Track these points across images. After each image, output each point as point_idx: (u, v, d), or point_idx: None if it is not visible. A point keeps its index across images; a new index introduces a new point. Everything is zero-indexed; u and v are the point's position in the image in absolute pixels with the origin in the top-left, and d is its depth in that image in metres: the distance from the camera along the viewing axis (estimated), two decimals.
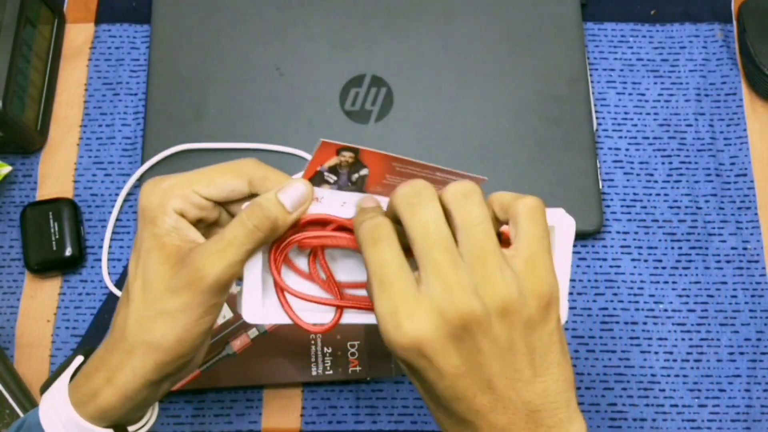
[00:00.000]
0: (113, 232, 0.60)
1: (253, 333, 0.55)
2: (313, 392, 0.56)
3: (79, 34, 0.66)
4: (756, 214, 0.60)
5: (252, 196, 0.38)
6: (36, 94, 0.62)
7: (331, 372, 0.55)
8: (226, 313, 0.55)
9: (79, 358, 0.41)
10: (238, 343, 0.55)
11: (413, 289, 0.32)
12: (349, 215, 0.38)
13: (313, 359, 0.55)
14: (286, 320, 0.38)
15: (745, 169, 0.62)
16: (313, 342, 0.55)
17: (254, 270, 0.38)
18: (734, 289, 0.59)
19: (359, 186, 0.39)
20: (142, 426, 0.42)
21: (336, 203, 0.39)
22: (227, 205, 0.40)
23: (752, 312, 0.58)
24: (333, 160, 0.37)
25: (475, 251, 0.32)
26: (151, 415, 0.43)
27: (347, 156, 0.37)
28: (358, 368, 0.55)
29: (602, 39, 0.65)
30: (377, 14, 0.64)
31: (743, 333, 0.58)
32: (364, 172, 0.38)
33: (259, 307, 0.38)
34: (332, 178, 0.38)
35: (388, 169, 0.38)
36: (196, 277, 0.36)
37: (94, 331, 0.58)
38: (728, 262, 0.59)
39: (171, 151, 0.60)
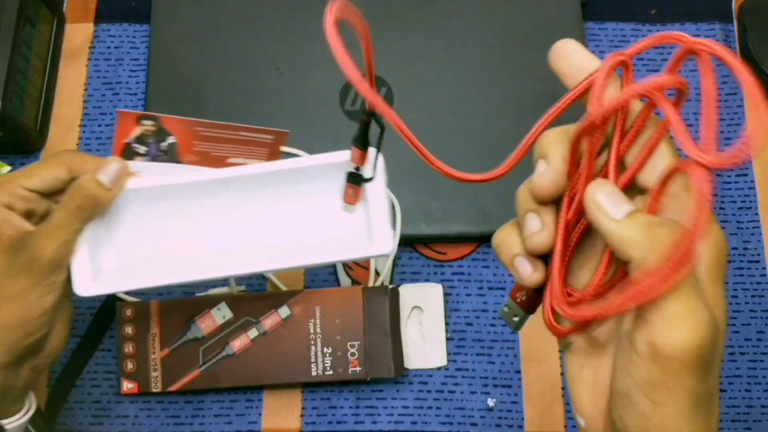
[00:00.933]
0: None
1: (252, 333, 0.55)
2: (313, 392, 0.56)
3: (78, 34, 0.66)
4: (756, 214, 0.60)
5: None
6: (35, 94, 0.62)
7: (330, 372, 0.55)
8: (225, 313, 0.55)
9: None
10: (237, 344, 0.55)
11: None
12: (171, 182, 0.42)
13: (312, 359, 0.55)
14: (118, 289, 0.46)
15: (746, 168, 0.61)
16: (312, 342, 0.55)
17: (83, 247, 0.43)
18: (734, 290, 0.59)
19: (171, 155, 0.42)
20: (20, 418, 0.44)
21: (157, 174, 0.43)
22: (55, 196, 0.44)
23: (752, 312, 0.58)
24: (137, 131, 0.41)
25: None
26: (30, 407, 0.45)
27: (148, 124, 0.40)
28: (358, 368, 0.55)
29: (603, 39, 0.65)
30: (377, 14, 0.63)
31: (743, 333, 0.58)
32: (171, 139, 0.42)
33: (89, 281, 0.43)
34: (142, 149, 0.41)
35: (193, 134, 0.41)
36: (32, 259, 0.41)
37: (94, 331, 0.58)
38: (728, 262, 0.59)
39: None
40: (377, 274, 0.59)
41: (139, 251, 0.46)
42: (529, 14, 0.63)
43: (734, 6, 0.66)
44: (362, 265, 0.59)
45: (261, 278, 0.59)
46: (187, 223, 0.46)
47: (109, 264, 0.45)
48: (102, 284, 0.43)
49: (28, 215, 0.43)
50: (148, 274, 0.44)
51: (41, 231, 0.41)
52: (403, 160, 0.59)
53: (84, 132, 0.63)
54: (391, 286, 0.56)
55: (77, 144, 0.63)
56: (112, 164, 0.42)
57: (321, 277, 0.59)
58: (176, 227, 0.46)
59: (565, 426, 0.55)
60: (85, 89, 0.64)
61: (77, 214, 0.42)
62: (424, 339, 0.58)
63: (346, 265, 0.59)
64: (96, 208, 0.42)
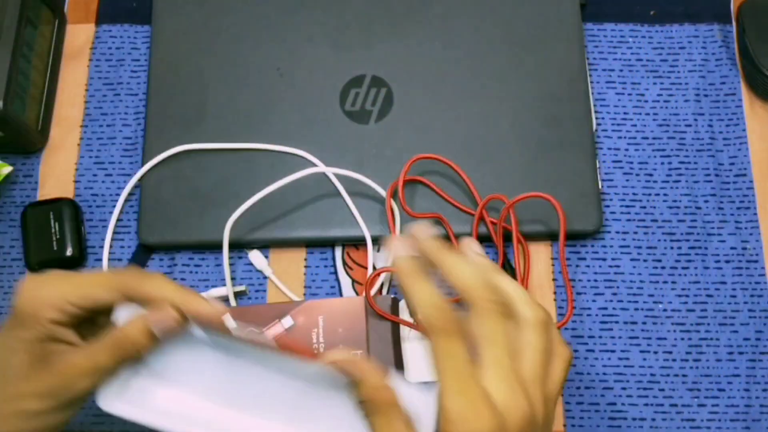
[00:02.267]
0: (114, 232, 0.60)
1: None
2: None
3: (79, 35, 0.66)
4: (755, 214, 0.60)
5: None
6: (37, 95, 0.62)
7: None
8: (229, 324, 0.55)
9: None
10: None
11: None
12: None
13: None
14: (135, 418, 0.41)
15: (745, 169, 0.62)
16: (316, 351, 0.55)
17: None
18: (733, 289, 0.59)
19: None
20: None
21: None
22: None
23: (751, 312, 0.58)
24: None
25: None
26: None
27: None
28: None
29: (602, 39, 0.65)
30: (377, 14, 0.64)
31: (742, 333, 0.58)
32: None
33: (114, 399, 0.41)
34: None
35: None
36: (63, 388, 0.39)
37: None
38: (727, 262, 0.59)
39: (171, 152, 0.60)
40: (375, 269, 0.59)
41: (174, 391, 0.42)
42: (528, 15, 0.64)
43: (733, 6, 0.66)
44: (361, 264, 0.59)
45: (262, 288, 0.59)
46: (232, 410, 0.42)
47: (138, 382, 0.42)
48: (126, 404, 0.41)
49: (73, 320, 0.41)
50: (173, 415, 0.41)
51: (80, 364, 0.39)
52: (404, 162, 0.59)
53: (85, 132, 0.63)
54: (392, 296, 0.57)
55: (78, 144, 0.63)
56: (170, 314, 0.39)
57: (321, 276, 0.59)
58: (220, 402, 0.42)
59: (565, 425, 0.56)
60: (87, 90, 0.65)
61: (119, 359, 0.39)
62: (425, 348, 0.58)
63: (345, 264, 0.59)
64: (138, 355, 0.40)
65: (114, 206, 0.61)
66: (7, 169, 0.59)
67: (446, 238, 0.58)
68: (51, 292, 0.40)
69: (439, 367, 0.34)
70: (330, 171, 0.58)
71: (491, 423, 0.32)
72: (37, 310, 0.39)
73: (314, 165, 0.59)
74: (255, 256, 0.59)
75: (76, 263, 0.59)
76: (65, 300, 0.40)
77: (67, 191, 0.62)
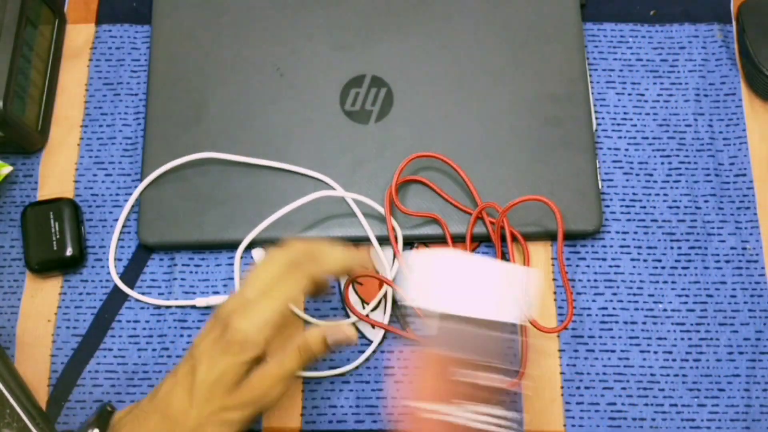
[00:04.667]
0: (120, 232, 0.60)
1: None
2: (314, 391, 0.57)
3: (79, 35, 0.66)
4: (755, 213, 0.60)
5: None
6: (37, 95, 0.62)
7: None
8: None
9: None
10: None
11: None
12: None
13: None
14: None
15: (745, 169, 0.62)
16: None
17: None
18: (733, 289, 0.59)
19: None
20: None
21: None
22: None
23: (751, 312, 0.58)
24: None
25: None
26: None
27: None
28: None
29: (602, 39, 0.65)
30: (377, 14, 0.64)
31: (742, 333, 0.58)
32: None
33: None
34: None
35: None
36: (262, 397, 0.45)
37: (95, 331, 0.58)
38: (727, 261, 0.59)
39: (182, 161, 0.60)
40: (377, 273, 0.59)
41: None
42: (528, 15, 0.64)
43: (733, 6, 0.66)
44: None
45: None
46: None
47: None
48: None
49: None
50: None
51: (274, 374, 0.45)
52: (404, 160, 0.59)
53: (85, 132, 0.63)
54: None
55: (78, 144, 0.63)
56: (344, 332, 0.48)
57: None
58: None
59: (564, 425, 0.56)
60: (87, 90, 0.65)
61: (300, 362, 0.46)
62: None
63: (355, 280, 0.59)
64: (316, 359, 0.48)
65: (114, 206, 0.61)
66: (7, 169, 0.59)
67: (443, 239, 0.58)
68: (265, 316, 0.45)
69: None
70: (338, 194, 0.58)
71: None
72: (256, 336, 0.44)
73: (318, 180, 0.59)
74: (258, 255, 0.59)
75: (76, 263, 0.59)
76: (275, 321, 0.45)
77: (67, 191, 0.62)
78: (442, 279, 0.44)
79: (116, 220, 0.61)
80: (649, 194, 0.61)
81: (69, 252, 0.59)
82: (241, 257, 0.59)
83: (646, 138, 0.62)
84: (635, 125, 0.63)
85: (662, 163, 0.62)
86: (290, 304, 0.47)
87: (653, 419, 0.56)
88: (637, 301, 0.58)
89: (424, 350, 0.44)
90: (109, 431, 0.46)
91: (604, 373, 0.57)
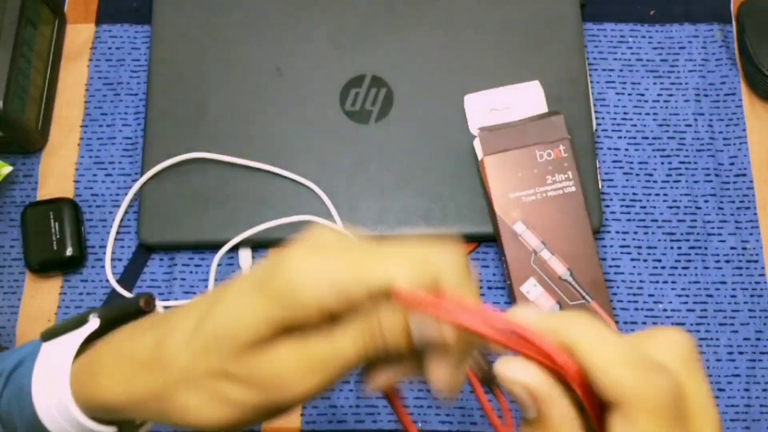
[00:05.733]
0: (117, 232, 0.60)
1: None
2: None
3: (79, 35, 0.66)
4: (755, 213, 0.60)
5: None
6: (37, 95, 0.62)
7: None
8: None
9: (94, 323, 0.37)
10: None
11: None
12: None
13: None
14: None
15: (744, 169, 0.62)
16: None
17: None
18: (733, 289, 0.59)
19: None
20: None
21: None
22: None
23: (751, 312, 0.58)
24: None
25: None
26: None
27: None
28: None
29: (602, 39, 0.65)
30: (377, 14, 0.64)
31: (742, 333, 0.58)
32: None
33: None
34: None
35: None
36: (275, 384, 0.30)
37: (95, 331, 0.58)
38: (727, 261, 0.59)
39: (174, 161, 0.60)
40: None
41: None
42: (528, 15, 0.63)
43: (733, 7, 0.66)
44: None
45: None
46: None
47: None
48: None
49: None
50: None
51: (306, 348, 0.30)
52: (404, 162, 0.60)
53: (85, 132, 0.63)
54: None
55: (78, 144, 0.63)
56: (444, 330, 0.29)
57: None
58: None
59: None
60: (87, 90, 0.65)
61: (362, 356, 0.31)
62: None
63: None
64: (383, 354, 0.30)
65: (114, 206, 0.61)
66: (7, 169, 0.59)
67: None
68: (338, 274, 0.29)
69: None
70: (328, 224, 0.58)
71: None
72: (313, 290, 0.29)
73: (311, 189, 0.59)
74: (244, 256, 0.59)
75: (76, 263, 0.59)
76: (349, 287, 0.29)
77: (67, 191, 0.62)
78: None
79: (122, 224, 0.61)
80: (649, 194, 0.61)
81: (69, 252, 0.59)
82: (220, 260, 0.59)
83: (646, 138, 0.62)
84: (635, 125, 0.63)
85: (662, 163, 0.62)
86: (391, 283, 0.28)
87: None
88: (637, 301, 0.58)
89: None
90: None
91: None
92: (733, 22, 0.66)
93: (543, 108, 0.60)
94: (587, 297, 0.56)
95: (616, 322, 0.58)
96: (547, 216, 0.56)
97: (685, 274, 0.59)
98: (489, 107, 0.60)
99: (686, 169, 0.62)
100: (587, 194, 0.58)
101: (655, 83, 0.64)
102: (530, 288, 0.56)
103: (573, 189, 0.57)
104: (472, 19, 0.63)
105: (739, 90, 0.64)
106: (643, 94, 0.64)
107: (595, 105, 0.63)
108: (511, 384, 0.26)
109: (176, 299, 0.58)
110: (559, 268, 0.56)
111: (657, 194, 0.61)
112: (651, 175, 0.62)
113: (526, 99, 0.60)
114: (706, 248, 0.60)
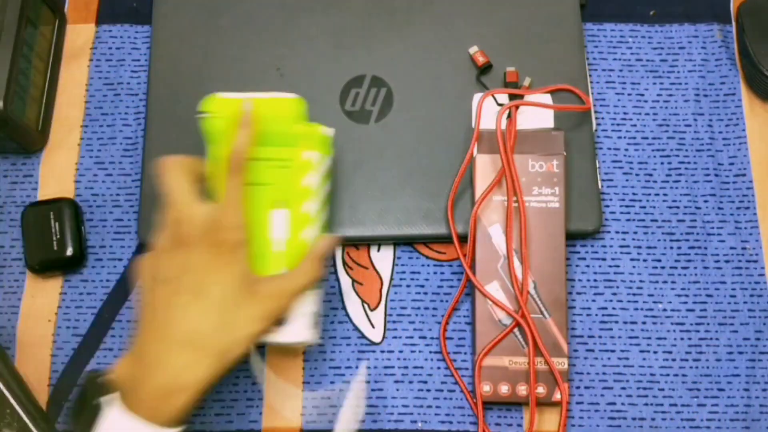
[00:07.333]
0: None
1: None
2: (314, 391, 0.57)
3: (80, 35, 0.66)
4: (755, 213, 0.61)
5: None
6: (37, 95, 0.62)
7: None
8: None
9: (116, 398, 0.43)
10: None
11: None
12: None
13: None
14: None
15: (744, 169, 0.62)
16: None
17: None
18: (733, 289, 0.59)
19: None
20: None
21: None
22: None
23: (751, 312, 0.58)
24: None
25: None
26: None
27: None
28: None
29: (601, 39, 0.65)
30: (377, 14, 0.64)
31: (742, 332, 0.58)
32: None
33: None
34: None
35: None
36: (277, 309, 0.47)
37: (95, 331, 0.58)
38: (727, 261, 0.59)
39: None
40: (377, 273, 0.59)
41: None
42: (528, 14, 0.64)
43: (733, 6, 0.66)
44: (362, 264, 0.59)
45: None
46: None
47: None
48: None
49: None
50: None
51: (282, 283, 0.48)
52: (404, 162, 0.60)
53: (86, 132, 0.64)
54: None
55: (78, 144, 0.63)
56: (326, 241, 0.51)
57: None
58: None
59: (565, 425, 0.56)
60: (87, 90, 0.65)
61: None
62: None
63: (345, 264, 0.59)
64: None
65: (114, 206, 0.61)
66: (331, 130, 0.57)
67: (442, 238, 0.58)
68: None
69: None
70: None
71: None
72: (243, 237, 0.46)
73: None
74: None
75: (76, 263, 0.59)
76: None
77: (67, 191, 0.62)
78: None
79: (116, 220, 0.61)
80: (649, 194, 0.61)
81: (69, 252, 0.59)
82: None
83: (646, 138, 0.63)
84: (635, 125, 0.63)
85: (662, 163, 0.62)
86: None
87: (653, 419, 0.56)
88: (636, 301, 0.59)
89: None
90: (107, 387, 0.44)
91: (604, 373, 0.57)
92: (733, 22, 0.66)
93: (549, 123, 0.59)
94: (546, 312, 0.55)
95: (616, 322, 0.58)
96: (525, 225, 0.56)
97: (685, 274, 0.59)
98: (498, 109, 0.60)
99: (686, 169, 0.62)
100: (587, 195, 0.58)
101: (654, 83, 0.64)
102: (493, 291, 0.56)
103: (557, 205, 0.57)
104: (472, 19, 0.63)
105: (738, 90, 0.64)
106: (642, 94, 0.64)
107: (595, 105, 0.63)
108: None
109: None
110: (525, 279, 0.56)
111: (657, 194, 0.61)
112: (651, 175, 0.62)
113: (536, 111, 0.60)
114: (705, 248, 0.60)
